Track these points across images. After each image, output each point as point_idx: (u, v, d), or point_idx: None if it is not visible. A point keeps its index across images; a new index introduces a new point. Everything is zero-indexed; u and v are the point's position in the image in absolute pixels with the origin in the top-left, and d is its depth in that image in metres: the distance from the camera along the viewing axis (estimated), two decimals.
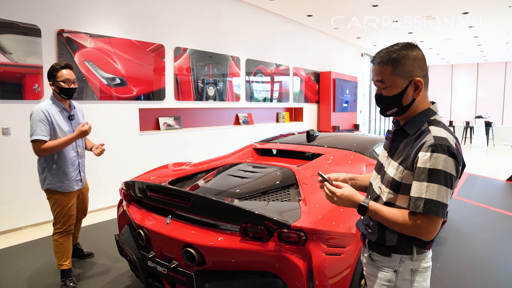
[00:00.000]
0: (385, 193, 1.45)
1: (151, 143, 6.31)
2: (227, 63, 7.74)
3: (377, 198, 1.51)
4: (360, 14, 9.33)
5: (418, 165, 1.33)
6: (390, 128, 1.76)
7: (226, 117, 8.11)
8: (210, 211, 2.19)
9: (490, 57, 17.66)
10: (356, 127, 12.49)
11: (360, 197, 1.43)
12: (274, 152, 3.85)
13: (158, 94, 6.31)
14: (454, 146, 1.34)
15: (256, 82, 8.60)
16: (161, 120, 6.66)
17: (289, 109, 10.14)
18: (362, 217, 1.65)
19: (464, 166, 1.39)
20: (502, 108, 19.52)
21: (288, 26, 9.72)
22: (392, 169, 1.44)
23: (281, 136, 4.21)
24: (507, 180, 7.86)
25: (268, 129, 8.93)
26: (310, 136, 3.76)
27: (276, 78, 9.24)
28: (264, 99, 8.90)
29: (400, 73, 1.39)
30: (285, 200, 2.43)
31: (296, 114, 10.34)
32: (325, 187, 1.48)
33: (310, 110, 10.71)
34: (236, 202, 2.21)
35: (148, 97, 6.12)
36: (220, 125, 7.93)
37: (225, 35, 7.72)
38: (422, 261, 1.46)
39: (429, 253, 1.49)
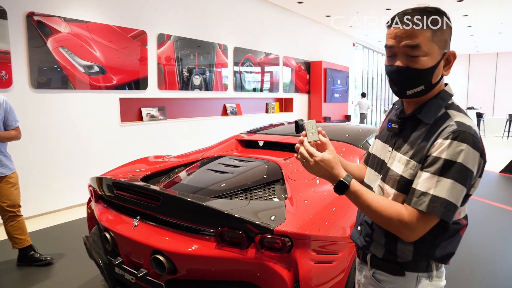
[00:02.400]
0: (390, 195, 1.17)
1: (133, 135, 6.00)
2: (214, 51, 7.42)
3: None
4: (352, 2, 9.03)
5: (432, 153, 1.07)
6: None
7: (213, 108, 7.80)
8: (181, 212, 1.91)
9: (482, 48, 17.51)
10: (347, 118, 12.27)
11: (342, 171, 1.15)
12: (261, 144, 3.58)
13: (140, 83, 5.98)
14: (479, 137, 1.08)
15: (245, 71, 8.30)
16: (144, 111, 6.34)
17: (279, 100, 9.86)
18: (359, 228, 1.35)
19: (485, 163, 1.14)
20: (493, 99, 19.47)
21: (278, 14, 9.40)
22: (400, 164, 1.17)
23: (270, 126, 3.94)
24: (501, 172, 7.70)
25: (257, 120, 8.64)
26: (298, 127, 3.48)
27: (266, 67, 8.94)
28: (254, 89, 8.61)
29: (439, 41, 1.12)
30: (269, 198, 2.16)
31: (286, 105, 10.07)
32: (303, 144, 1.18)
33: (300, 101, 10.44)
34: (211, 202, 1.93)
35: (130, 86, 5.79)
36: (207, 115, 7.63)
37: (212, 21, 7.38)
38: (439, 280, 1.21)
39: (444, 269, 1.25)
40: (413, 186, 1.10)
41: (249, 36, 8.39)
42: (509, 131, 14.32)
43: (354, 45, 14.08)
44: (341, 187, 1.13)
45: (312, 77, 10.75)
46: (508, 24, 11.51)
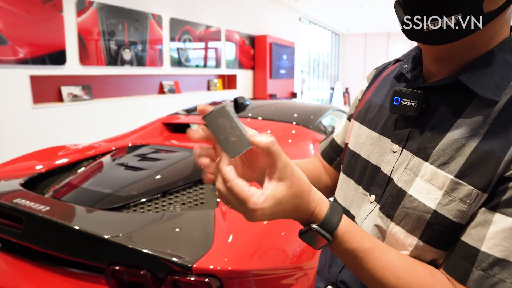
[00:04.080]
0: (406, 246, 0.63)
1: (51, 119, 5.13)
2: (146, 21, 6.58)
3: None
4: None
5: None
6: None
7: (148, 85, 7.02)
8: (53, 240, 1.29)
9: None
10: (294, 95, 11.88)
11: (319, 204, 0.57)
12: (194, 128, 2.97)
13: (57, 58, 5.08)
14: None
15: (183, 45, 7.53)
16: (65, 90, 5.45)
17: (221, 76, 9.20)
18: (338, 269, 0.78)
19: None
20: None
21: None
22: (434, 188, 0.61)
23: (214, 103, 3.36)
24: None
25: (198, 98, 7.97)
26: (238, 106, 2.91)
27: (206, 41, 8.23)
28: (194, 65, 7.89)
29: None
30: (195, 205, 1.58)
31: (229, 81, 9.44)
32: (220, 169, 0.55)
33: (245, 77, 9.87)
34: (97, 221, 1.31)
35: (43, 61, 4.89)
36: (141, 94, 6.83)
37: None
38: None
39: None
40: (468, 240, 0.55)
41: (187, 6, 7.60)
42: None
43: (300, 19, 13.61)
44: (315, 240, 0.56)
45: (256, 52, 10.18)
46: None
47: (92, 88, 5.87)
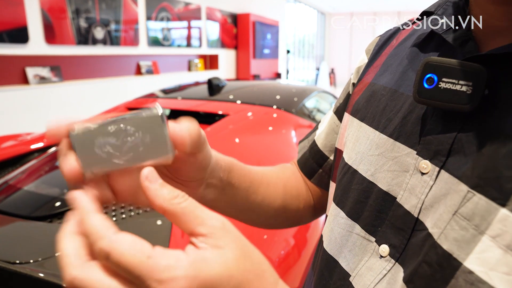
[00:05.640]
0: None
1: (15, 103, 4.75)
2: None
3: None
4: None
5: None
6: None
7: (124, 66, 6.64)
8: None
9: (412, 5, 17.38)
10: (278, 75, 11.57)
11: None
12: (166, 112, 2.67)
13: (17, 35, 4.66)
14: None
15: (160, 23, 7.12)
16: (30, 71, 5.04)
17: (203, 56, 8.82)
18: None
19: None
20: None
21: None
22: None
23: (197, 83, 3.15)
24: None
25: (178, 79, 7.60)
26: (213, 88, 2.60)
27: (185, 19, 7.83)
28: (173, 44, 7.51)
29: None
30: (151, 209, 1.29)
31: (211, 61, 9.07)
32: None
33: (227, 57, 9.50)
34: (17, 240, 1.02)
35: (0, 38, 4.46)
36: (117, 75, 6.44)
37: None
38: None
39: None
40: None
41: None
42: None
43: None
44: None
45: (239, 31, 9.81)
46: None
47: (62, 69, 5.46)
